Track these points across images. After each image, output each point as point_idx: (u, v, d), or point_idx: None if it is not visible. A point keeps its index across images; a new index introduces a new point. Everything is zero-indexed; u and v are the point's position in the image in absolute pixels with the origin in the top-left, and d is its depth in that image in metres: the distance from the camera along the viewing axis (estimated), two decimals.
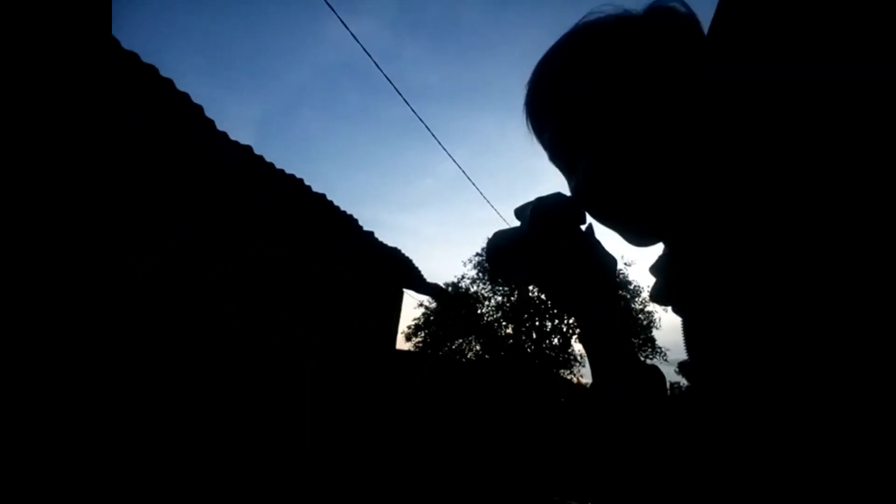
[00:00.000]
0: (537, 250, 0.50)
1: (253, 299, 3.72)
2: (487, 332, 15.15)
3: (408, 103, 4.69)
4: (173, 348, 2.79)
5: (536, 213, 0.50)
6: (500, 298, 15.57)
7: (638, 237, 0.47)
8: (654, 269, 0.47)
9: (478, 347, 15.55)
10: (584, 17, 0.46)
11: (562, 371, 15.34)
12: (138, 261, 2.65)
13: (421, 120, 6.48)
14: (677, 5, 0.44)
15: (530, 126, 0.50)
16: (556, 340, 15.41)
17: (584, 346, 0.50)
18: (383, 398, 5.69)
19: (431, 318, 15.50)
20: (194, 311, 3.02)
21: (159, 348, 2.69)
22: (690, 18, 0.43)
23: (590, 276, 0.49)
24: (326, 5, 3.38)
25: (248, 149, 3.67)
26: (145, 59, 2.80)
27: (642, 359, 0.47)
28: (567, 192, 0.51)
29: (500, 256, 0.53)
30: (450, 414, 6.47)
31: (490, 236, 0.54)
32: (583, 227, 0.51)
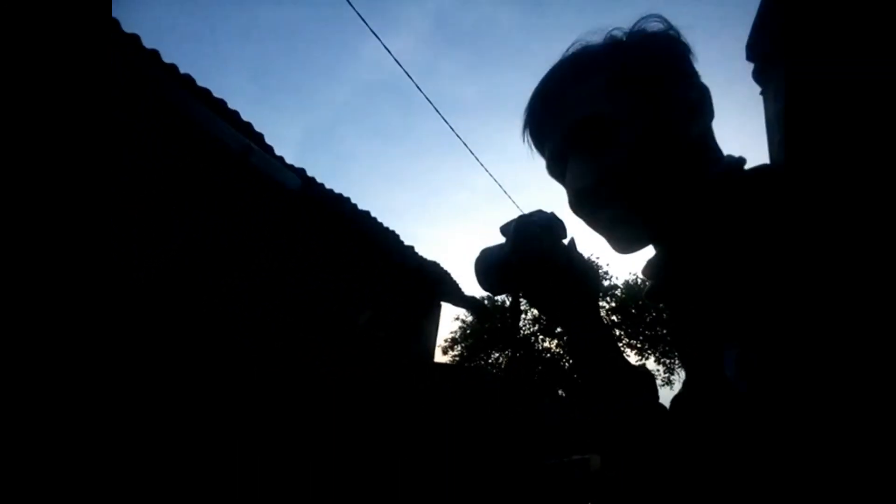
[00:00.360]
0: (519, 266, 0.52)
1: (280, 309, 3.83)
2: (524, 345, 14.99)
3: (445, 120, 4.87)
4: (175, 352, 2.81)
5: (517, 230, 0.52)
6: (536, 312, 15.41)
7: (625, 242, 0.49)
8: (647, 271, 0.51)
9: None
10: (572, 46, 0.50)
11: None
12: (141, 264, 2.67)
13: (458, 136, 6.66)
14: (656, 27, 0.48)
15: (531, 143, 0.54)
16: None
17: (574, 362, 0.53)
18: (421, 410, 5.78)
19: (468, 331, 15.52)
20: (200, 315, 3.03)
21: (159, 351, 2.70)
22: (667, 39, 0.47)
23: (571, 292, 0.51)
24: (366, 27, 3.62)
25: (302, 171, 3.95)
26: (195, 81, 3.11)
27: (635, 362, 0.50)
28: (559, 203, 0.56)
29: (486, 272, 0.55)
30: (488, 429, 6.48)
31: (478, 254, 0.57)
32: (565, 241, 0.53)
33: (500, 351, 15.41)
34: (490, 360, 15.33)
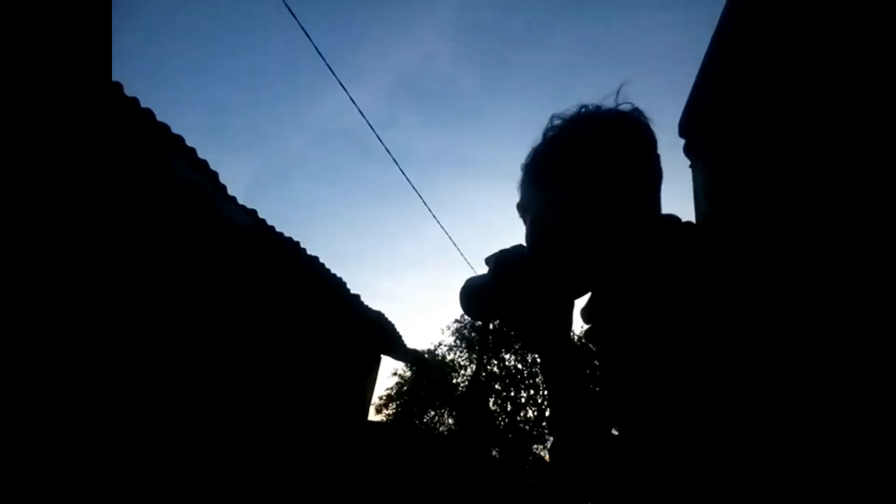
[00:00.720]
0: (498, 291, 0.59)
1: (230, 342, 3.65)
2: (461, 403, 14.73)
3: (402, 171, 5.04)
4: (163, 351, 2.79)
5: (497, 261, 0.60)
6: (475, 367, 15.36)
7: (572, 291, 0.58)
8: (583, 314, 0.57)
9: (450, 421, 15.01)
10: (553, 123, 0.61)
11: (535, 446, 14.87)
12: (136, 264, 2.70)
13: (413, 186, 6.87)
14: (565, 122, 0.59)
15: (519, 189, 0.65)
16: (531, 413, 15.09)
17: (545, 382, 0.57)
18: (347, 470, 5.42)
19: (405, 387, 15.01)
20: (186, 317, 3.04)
21: (149, 348, 2.68)
22: (570, 136, 0.58)
23: (545, 314, 0.57)
24: (327, 76, 3.77)
25: (254, 212, 3.86)
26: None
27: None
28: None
29: (469, 298, 0.62)
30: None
31: (464, 282, 0.64)
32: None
33: (437, 409, 14.98)
34: (425, 419, 14.82)
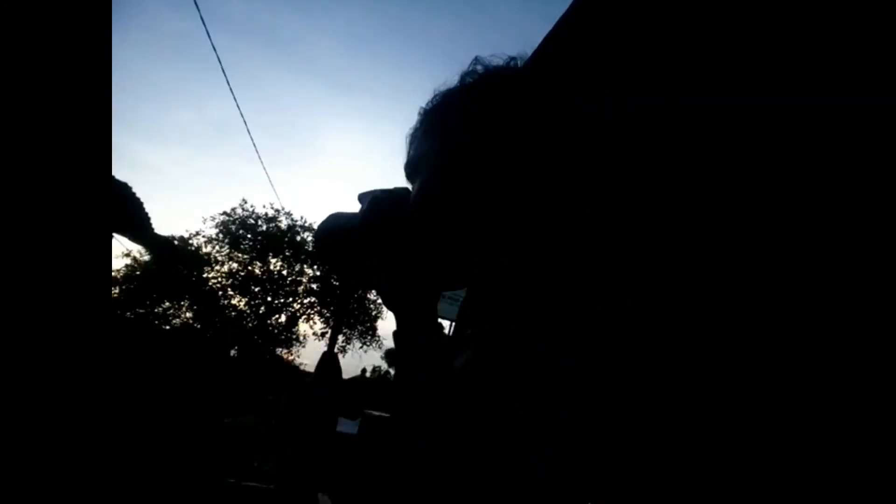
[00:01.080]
0: (366, 241, 0.49)
1: None
2: (209, 299, 13.52)
3: (203, 20, 3.88)
4: None
5: (373, 204, 0.49)
6: (235, 265, 14.20)
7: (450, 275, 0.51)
8: (462, 311, 0.56)
9: (189, 315, 13.66)
10: (475, 67, 0.50)
11: (280, 350, 15.14)
12: None
13: (210, 38, 5.39)
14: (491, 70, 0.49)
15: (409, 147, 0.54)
16: (282, 318, 15.14)
17: (395, 342, 0.50)
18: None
19: (137, 272, 12.73)
20: None
21: None
22: (452, 96, 0.50)
23: (416, 309, 0.49)
24: None
25: None
26: None
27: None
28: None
29: (328, 239, 0.53)
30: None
31: (325, 217, 0.54)
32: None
33: (175, 302, 13.35)
34: (156, 311, 13.07)
